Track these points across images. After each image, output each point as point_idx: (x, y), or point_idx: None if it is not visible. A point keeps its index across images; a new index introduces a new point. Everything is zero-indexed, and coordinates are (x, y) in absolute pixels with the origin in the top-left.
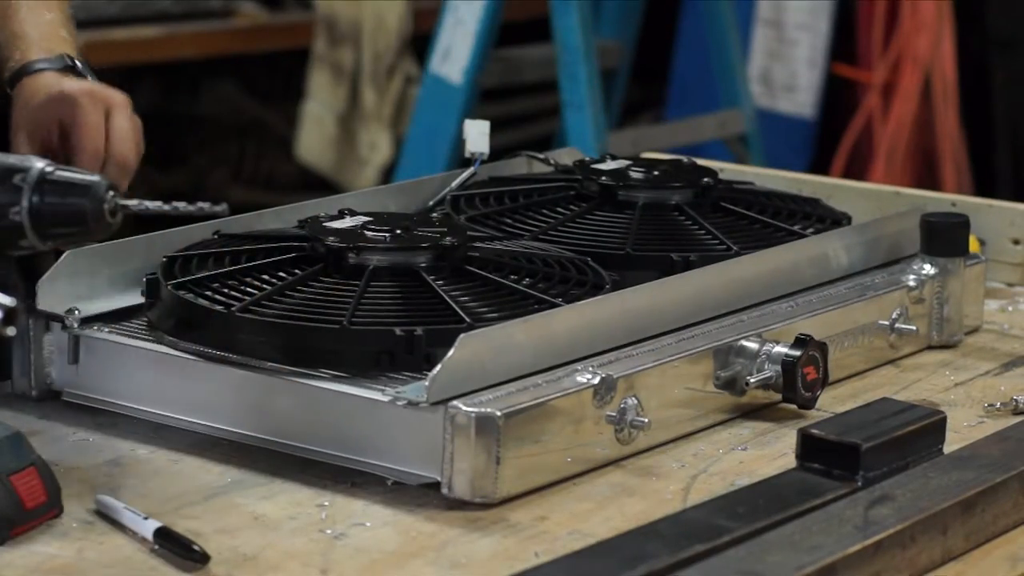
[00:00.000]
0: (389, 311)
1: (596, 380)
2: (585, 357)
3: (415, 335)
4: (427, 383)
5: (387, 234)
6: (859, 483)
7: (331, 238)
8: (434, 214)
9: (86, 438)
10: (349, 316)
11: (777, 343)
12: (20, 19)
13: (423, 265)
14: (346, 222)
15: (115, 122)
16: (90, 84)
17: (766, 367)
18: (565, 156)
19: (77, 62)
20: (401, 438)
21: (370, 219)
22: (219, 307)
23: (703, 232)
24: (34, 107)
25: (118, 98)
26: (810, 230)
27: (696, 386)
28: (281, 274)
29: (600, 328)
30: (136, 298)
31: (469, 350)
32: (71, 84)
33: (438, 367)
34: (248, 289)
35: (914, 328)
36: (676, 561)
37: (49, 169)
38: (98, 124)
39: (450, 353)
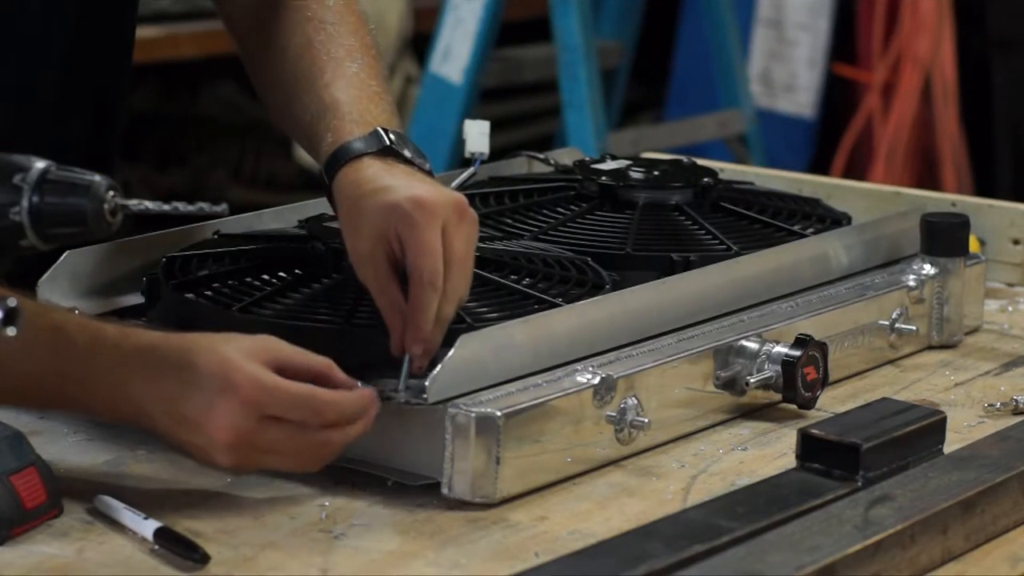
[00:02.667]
0: None
1: (596, 380)
2: (585, 357)
3: None
4: (427, 383)
5: None
6: (859, 483)
7: (331, 238)
8: None
9: (86, 438)
10: (349, 316)
11: (777, 343)
12: (326, 81)
13: None
14: None
15: (450, 241)
16: (421, 190)
17: (766, 367)
18: (565, 156)
19: (391, 136)
20: (401, 438)
21: None
22: (219, 307)
23: (703, 232)
24: (369, 214)
25: (453, 204)
26: (810, 230)
27: (696, 386)
28: (281, 274)
29: (600, 328)
30: (136, 298)
31: (469, 350)
32: (400, 192)
33: (438, 367)
34: (248, 289)
35: (914, 328)
36: (676, 561)
37: (49, 169)
38: (434, 246)
39: (450, 353)
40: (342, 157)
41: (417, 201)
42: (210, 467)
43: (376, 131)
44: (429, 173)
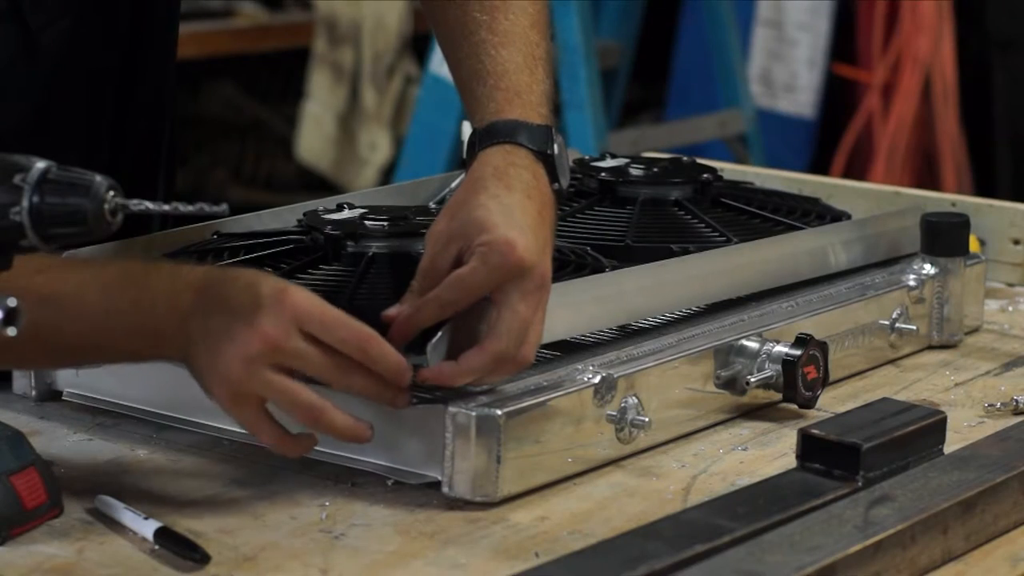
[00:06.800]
0: (388, 299)
1: (597, 379)
2: (583, 339)
3: None
4: (429, 349)
5: (385, 223)
6: (859, 483)
7: (329, 227)
8: (432, 205)
9: (86, 438)
10: (346, 303)
11: (777, 342)
12: (481, 36)
13: (422, 252)
14: (344, 214)
15: (513, 302)
16: (524, 240)
17: (766, 366)
18: None
19: (556, 142)
20: (401, 438)
21: (367, 211)
22: None
23: (703, 225)
24: (466, 215)
25: (540, 272)
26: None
27: (696, 386)
28: (281, 265)
29: (597, 308)
30: None
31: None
32: (503, 224)
33: (439, 334)
34: None
35: (914, 328)
36: (676, 561)
37: (50, 169)
38: (525, 322)
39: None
40: (502, 133)
41: (509, 245)
42: (224, 393)
43: (546, 129)
44: (559, 194)
